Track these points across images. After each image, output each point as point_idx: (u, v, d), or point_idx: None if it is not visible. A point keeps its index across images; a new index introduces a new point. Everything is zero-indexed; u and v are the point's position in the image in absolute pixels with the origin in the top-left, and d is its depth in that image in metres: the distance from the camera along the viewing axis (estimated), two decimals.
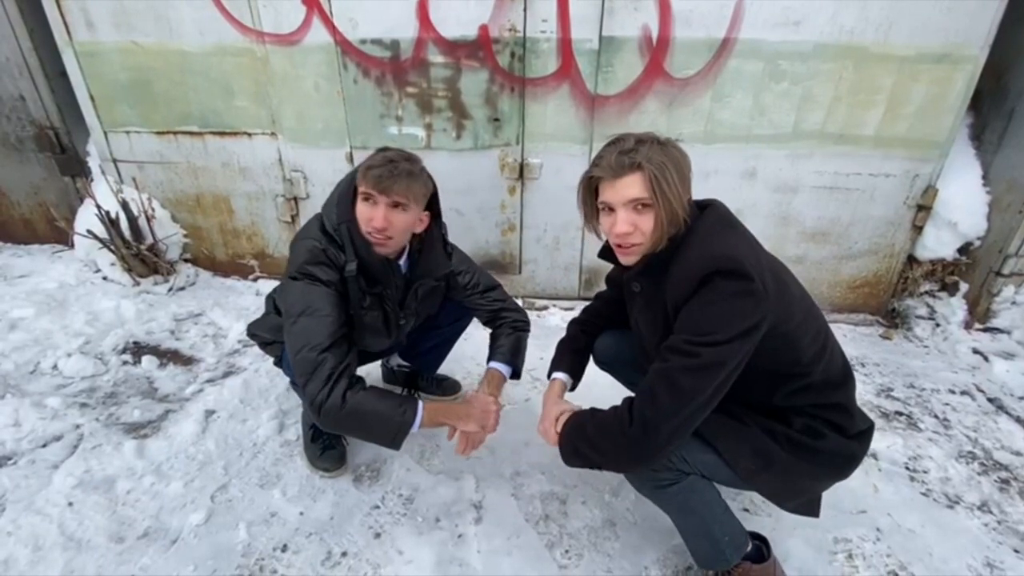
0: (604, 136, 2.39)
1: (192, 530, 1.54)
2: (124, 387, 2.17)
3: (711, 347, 1.00)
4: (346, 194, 1.38)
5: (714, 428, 1.15)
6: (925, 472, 1.80)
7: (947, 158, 2.42)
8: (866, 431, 1.20)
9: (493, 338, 1.70)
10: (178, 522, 1.57)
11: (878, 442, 1.90)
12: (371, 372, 2.22)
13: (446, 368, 2.17)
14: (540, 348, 2.30)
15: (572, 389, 1.48)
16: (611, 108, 2.38)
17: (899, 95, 2.27)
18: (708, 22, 2.19)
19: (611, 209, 1.11)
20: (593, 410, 1.21)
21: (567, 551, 1.52)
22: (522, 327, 1.72)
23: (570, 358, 1.50)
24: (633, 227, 1.08)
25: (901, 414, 2.08)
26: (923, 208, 2.51)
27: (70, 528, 1.53)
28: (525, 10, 2.21)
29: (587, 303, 1.63)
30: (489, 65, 2.32)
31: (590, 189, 1.16)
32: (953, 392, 2.21)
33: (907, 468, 1.81)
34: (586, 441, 1.15)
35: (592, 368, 1.57)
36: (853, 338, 2.62)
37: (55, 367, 2.24)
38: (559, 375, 1.46)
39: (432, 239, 1.54)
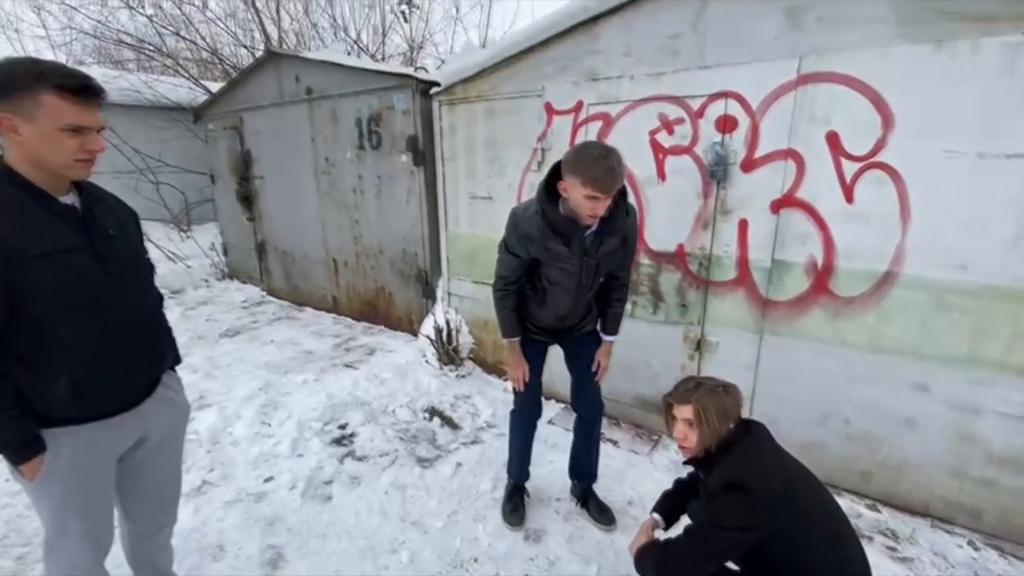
0: (774, 330, 2.94)
1: (436, 531, 2.71)
2: (420, 434, 3.63)
3: (716, 529, 1.64)
4: (546, 189, 2.14)
5: None
6: None
7: None
8: None
9: (603, 309, 2.58)
10: (429, 522, 2.76)
11: None
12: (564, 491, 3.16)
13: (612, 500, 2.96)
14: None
15: (665, 529, 2.12)
16: (780, 311, 2.92)
17: None
18: (870, 257, 2.58)
19: (677, 420, 1.85)
20: (655, 542, 1.91)
21: None
22: (623, 301, 2.56)
23: (666, 506, 2.15)
24: (684, 435, 1.80)
25: None
26: None
27: (384, 507, 2.89)
28: (712, 236, 3.05)
29: None
30: (682, 270, 3.20)
31: (666, 405, 1.90)
32: None
33: None
34: (643, 563, 1.87)
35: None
36: None
37: (394, 411, 3.89)
38: (655, 515, 2.13)
39: (619, 208, 2.16)
